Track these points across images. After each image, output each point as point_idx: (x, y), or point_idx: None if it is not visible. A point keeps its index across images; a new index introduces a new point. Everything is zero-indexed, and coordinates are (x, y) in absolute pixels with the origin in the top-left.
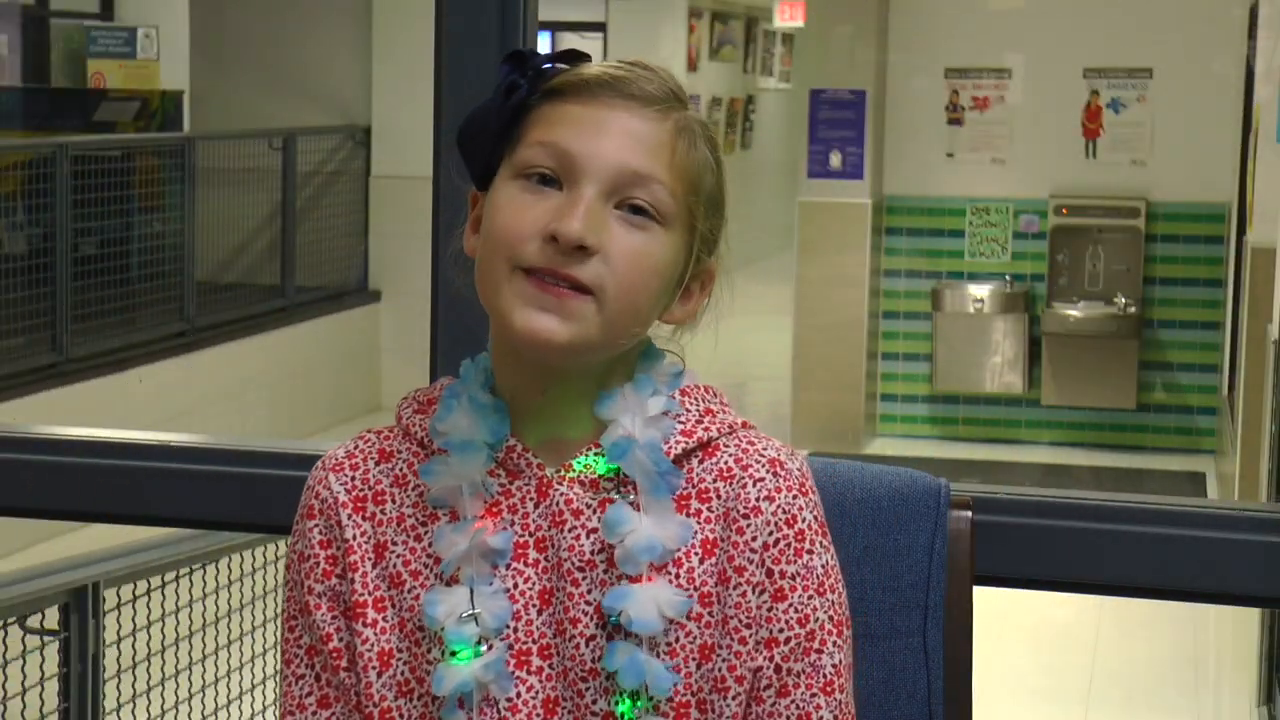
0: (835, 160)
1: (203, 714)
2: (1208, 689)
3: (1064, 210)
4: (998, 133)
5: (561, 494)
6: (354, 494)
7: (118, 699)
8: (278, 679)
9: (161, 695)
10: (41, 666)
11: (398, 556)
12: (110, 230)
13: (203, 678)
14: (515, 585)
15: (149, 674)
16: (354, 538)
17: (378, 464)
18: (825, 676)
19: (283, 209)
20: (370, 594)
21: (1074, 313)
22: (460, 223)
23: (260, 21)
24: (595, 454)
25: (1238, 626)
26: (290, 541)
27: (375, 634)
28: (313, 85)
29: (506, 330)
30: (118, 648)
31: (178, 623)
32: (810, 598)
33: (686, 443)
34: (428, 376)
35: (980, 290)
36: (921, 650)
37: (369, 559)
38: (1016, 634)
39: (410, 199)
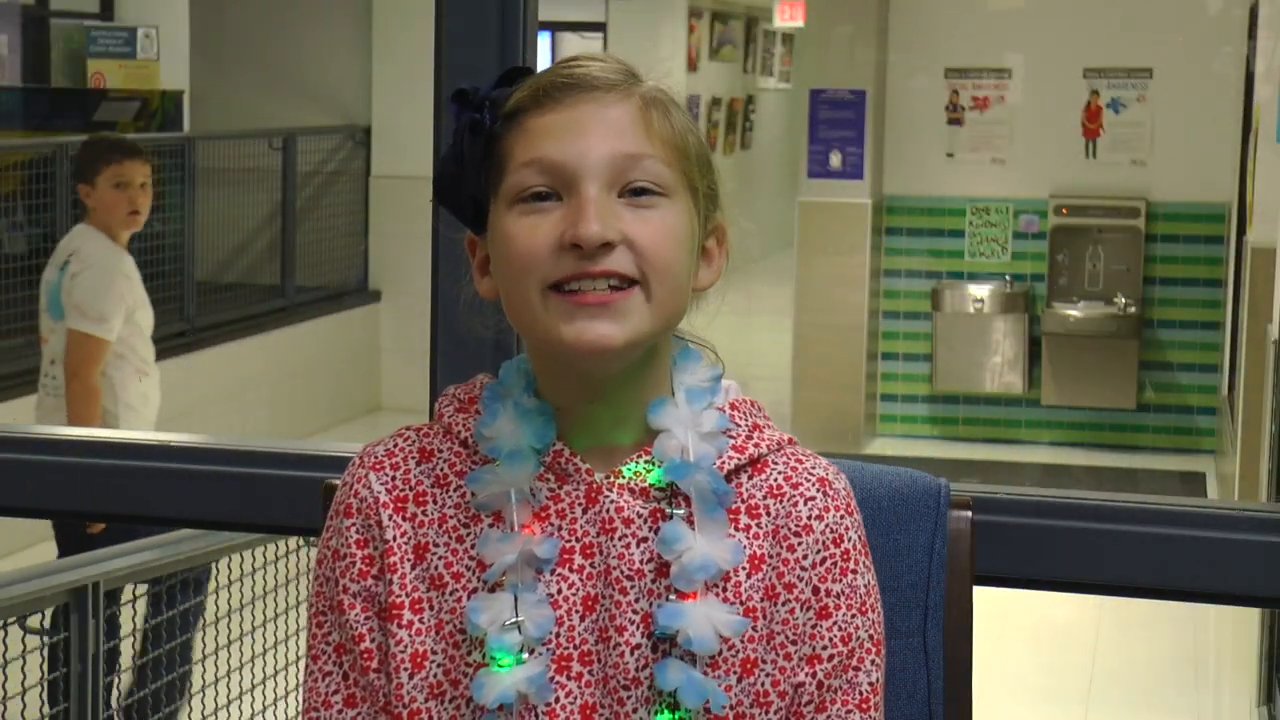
0: (835, 160)
1: (203, 714)
2: (1208, 689)
3: (1064, 210)
4: (998, 133)
5: (612, 501)
6: (395, 494)
7: (118, 699)
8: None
9: (162, 695)
10: (42, 667)
11: (439, 559)
12: None
13: (203, 678)
14: (559, 591)
15: (149, 674)
16: (394, 538)
17: (419, 463)
18: (861, 694)
19: (283, 209)
20: (408, 595)
21: (1074, 313)
22: (463, 229)
23: (260, 21)
24: (645, 462)
25: (1238, 626)
26: (324, 537)
27: (410, 635)
28: (313, 85)
29: (556, 347)
30: (118, 648)
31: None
32: (853, 616)
33: (738, 459)
34: (428, 376)
35: (980, 290)
36: (921, 650)
37: (409, 560)
38: (1016, 634)
39: (410, 199)
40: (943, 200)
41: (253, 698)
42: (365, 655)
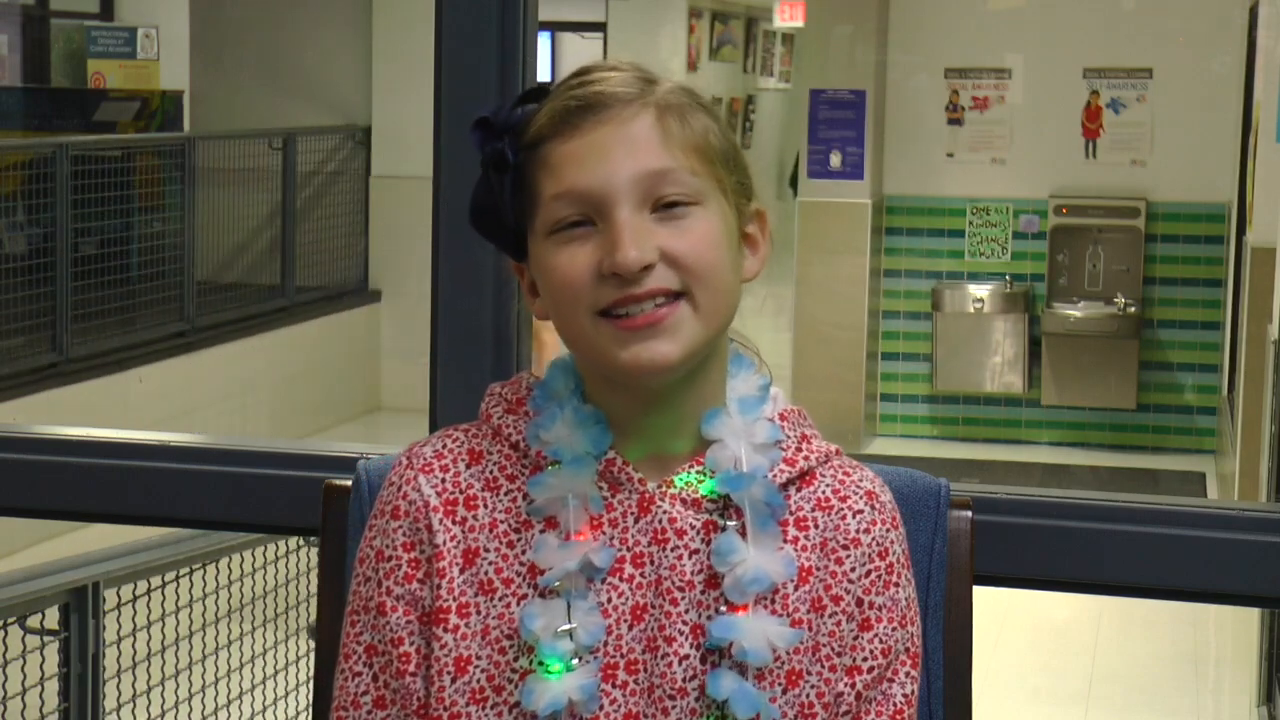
0: (835, 160)
1: (203, 714)
2: (1208, 689)
3: (1064, 210)
4: (998, 133)
5: (664, 511)
6: (445, 497)
7: (118, 699)
8: (286, 677)
9: (161, 695)
10: (41, 666)
11: (490, 564)
12: (110, 230)
13: (203, 678)
14: (609, 600)
15: (149, 674)
16: (444, 543)
17: (468, 466)
18: (895, 705)
19: (283, 209)
20: (455, 599)
21: (1074, 313)
22: (467, 229)
23: (260, 21)
24: (697, 472)
25: (1238, 626)
26: (367, 536)
27: (455, 639)
28: (313, 85)
29: (614, 371)
30: (118, 648)
31: (178, 623)
32: (894, 629)
33: (790, 471)
34: (428, 376)
35: (980, 290)
36: (922, 650)
37: (458, 564)
38: (1016, 634)
39: (410, 199)
40: (943, 200)
41: (253, 698)
42: (403, 659)
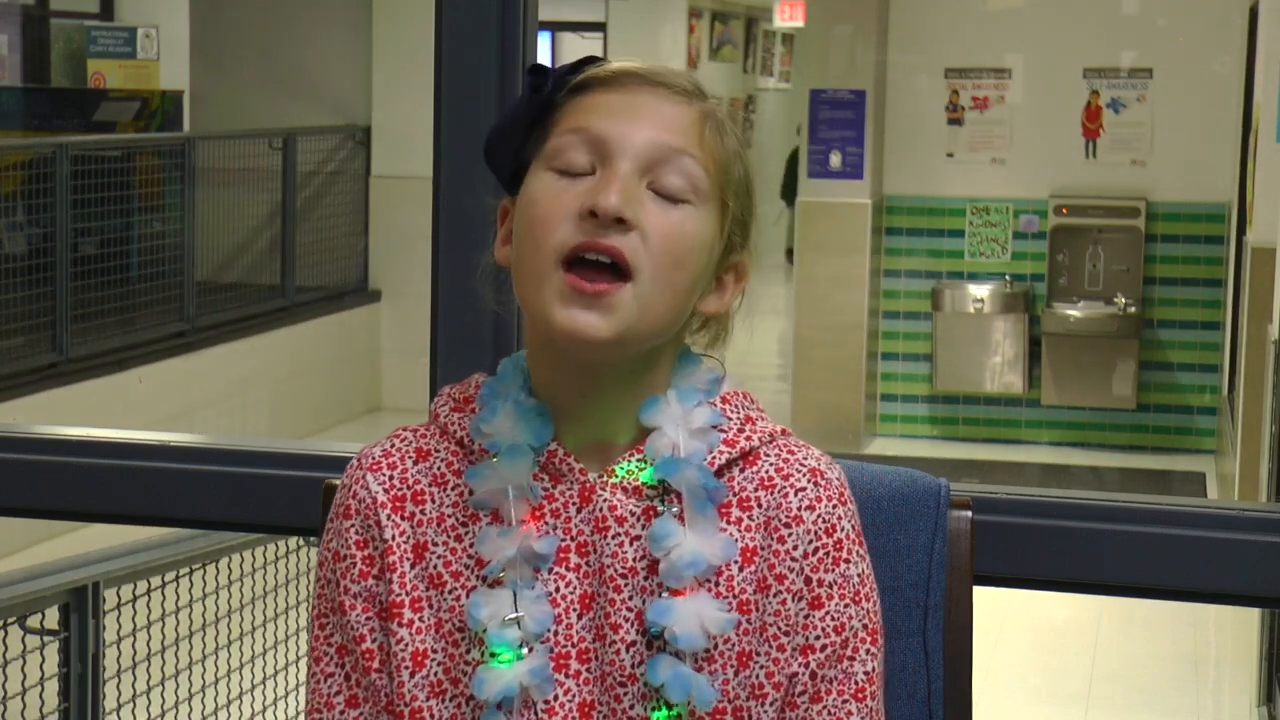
0: (835, 160)
1: (203, 714)
2: (1208, 689)
3: (1064, 210)
4: (998, 133)
5: (605, 500)
6: (393, 494)
7: (118, 699)
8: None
9: (161, 695)
10: (41, 666)
11: (438, 557)
12: (110, 230)
13: (203, 678)
14: (557, 589)
15: (149, 674)
16: (393, 538)
17: (415, 463)
18: (857, 683)
19: (283, 209)
20: (408, 594)
21: (1074, 313)
22: (467, 229)
23: (260, 21)
24: (638, 460)
25: (1238, 626)
26: (324, 540)
27: (410, 634)
28: (313, 85)
29: (548, 329)
30: (118, 648)
31: (178, 623)
32: (846, 606)
33: (730, 453)
34: (428, 376)
35: (980, 290)
36: (921, 650)
37: (408, 559)
38: (1016, 634)
39: (410, 199)
40: (943, 200)
41: (253, 698)
42: (366, 655)
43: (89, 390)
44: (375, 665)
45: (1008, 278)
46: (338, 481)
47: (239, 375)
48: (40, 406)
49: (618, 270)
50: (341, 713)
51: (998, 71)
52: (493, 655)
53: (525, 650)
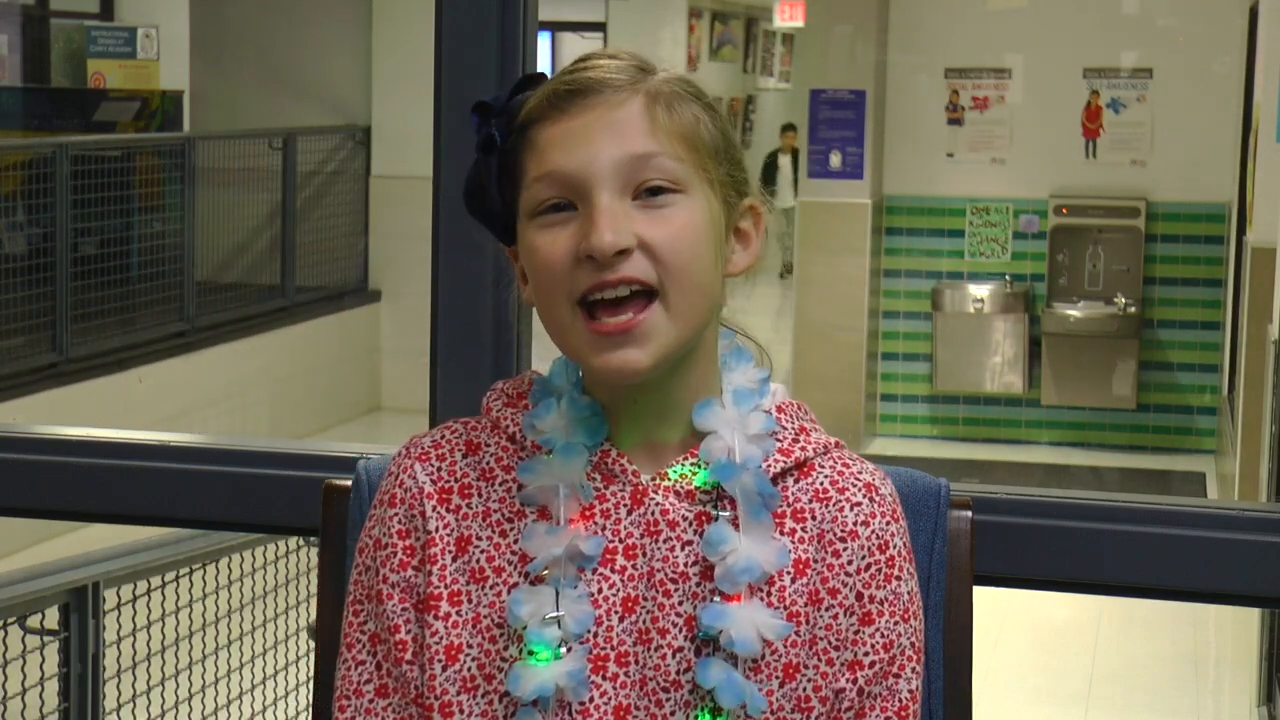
0: (835, 160)
1: (203, 714)
2: (1208, 689)
3: (1064, 210)
4: (998, 133)
5: (657, 504)
6: (440, 485)
7: (118, 699)
8: (286, 677)
9: (162, 695)
10: (41, 666)
11: (481, 551)
12: (110, 230)
13: (203, 678)
14: (599, 590)
15: (149, 674)
16: (437, 529)
17: (465, 456)
18: (901, 701)
19: (283, 209)
20: (447, 587)
21: (1074, 313)
22: (467, 230)
23: (260, 21)
24: (692, 464)
25: (1238, 626)
26: (366, 526)
27: (446, 627)
28: (313, 85)
29: (586, 368)
30: (118, 648)
31: (178, 623)
32: (896, 623)
33: (785, 462)
34: (428, 376)
35: (980, 290)
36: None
37: (450, 552)
38: (1017, 634)
39: (410, 199)
40: (943, 200)
41: (253, 697)
42: (400, 646)
43: (89, 390)
44: (408, 657)
45: (1008, 278)
46: (338, 481)
47: (239, 375)
48: (40, 406)
49: (639, 292)
50: (370, 701)
51: (998, 71)
52: (530, 653)
53: (564, 650)
